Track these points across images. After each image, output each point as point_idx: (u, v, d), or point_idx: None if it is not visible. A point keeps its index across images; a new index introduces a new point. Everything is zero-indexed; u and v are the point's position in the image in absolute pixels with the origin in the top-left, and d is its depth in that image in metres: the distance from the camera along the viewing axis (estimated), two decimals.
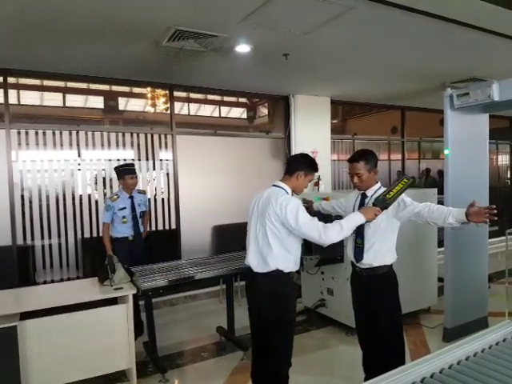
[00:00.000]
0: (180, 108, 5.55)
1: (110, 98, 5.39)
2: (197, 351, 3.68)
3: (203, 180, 5.27)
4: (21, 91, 4.64)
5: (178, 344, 3.82)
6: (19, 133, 4.32)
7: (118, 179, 4.10)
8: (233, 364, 3.40)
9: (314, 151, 5.67)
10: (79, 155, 4.64)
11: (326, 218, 2.99)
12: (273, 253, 2.37)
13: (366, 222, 2.44)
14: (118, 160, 4.72)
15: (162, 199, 5.09)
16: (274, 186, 2.52)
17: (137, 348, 3.38)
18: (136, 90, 5.17)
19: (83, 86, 4.85)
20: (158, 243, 4.80)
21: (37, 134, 4.41)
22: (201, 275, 3.33)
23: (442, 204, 2.92)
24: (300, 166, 2.52)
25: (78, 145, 4.59)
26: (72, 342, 2.81)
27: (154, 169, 5.03)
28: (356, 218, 2.40)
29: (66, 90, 4.82)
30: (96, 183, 4.72)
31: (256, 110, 6.44)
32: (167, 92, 5.04)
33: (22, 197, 4.38)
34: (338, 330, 3.98)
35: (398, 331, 2.73)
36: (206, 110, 6.26)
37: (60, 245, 4.55)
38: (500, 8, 2.89)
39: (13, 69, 4.15)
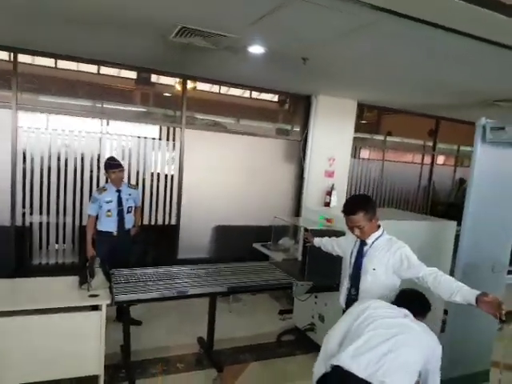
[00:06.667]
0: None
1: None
2: (174, 360, 3.55)
3: (210, 176, 5.09)
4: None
5: (159, 349, 3.69)
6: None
7: (105, 173, 3.93)
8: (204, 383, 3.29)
9: (331, 158, 5.36)
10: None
11: None
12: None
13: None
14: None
15: (165, 191, 4.96)
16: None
17: (114, 349, 3.37)
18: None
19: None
20: (156, 238, 4.71)
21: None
22: (184, 290, 3.10)
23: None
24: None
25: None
26: (43, 342, 2.78)
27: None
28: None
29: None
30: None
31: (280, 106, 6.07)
32: (181, 80, 4.85)
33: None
34: None
35: None
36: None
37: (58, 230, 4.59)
38: None
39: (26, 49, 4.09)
